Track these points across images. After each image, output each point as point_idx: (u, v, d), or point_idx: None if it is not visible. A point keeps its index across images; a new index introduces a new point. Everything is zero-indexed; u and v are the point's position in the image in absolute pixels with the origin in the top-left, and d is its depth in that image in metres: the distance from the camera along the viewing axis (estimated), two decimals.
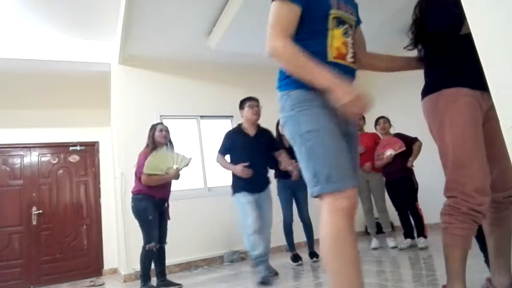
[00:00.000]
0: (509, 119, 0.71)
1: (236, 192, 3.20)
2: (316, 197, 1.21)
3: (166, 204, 3.38)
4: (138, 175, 3.25)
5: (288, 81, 1.29)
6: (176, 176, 3.34)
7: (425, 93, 1.55)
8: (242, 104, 3.44)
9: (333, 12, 1.28)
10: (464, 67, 1.46)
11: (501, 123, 0.72)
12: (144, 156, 3.28)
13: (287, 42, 1.25)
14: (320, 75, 1.19)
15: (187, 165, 3.40)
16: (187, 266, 4.39)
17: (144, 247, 3.13)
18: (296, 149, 1.27)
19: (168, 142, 3.45)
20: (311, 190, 1.21)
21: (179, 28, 4.39)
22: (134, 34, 4.35)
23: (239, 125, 3.43)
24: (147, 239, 3.13)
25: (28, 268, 4.57)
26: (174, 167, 3.29)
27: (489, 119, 1.47)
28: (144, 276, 3.13)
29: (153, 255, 3.15)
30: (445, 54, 1.52)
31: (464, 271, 1.39)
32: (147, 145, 3.38)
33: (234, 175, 3.25)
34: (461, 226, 1.36)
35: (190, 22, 4.33)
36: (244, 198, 3.10)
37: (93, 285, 4.15)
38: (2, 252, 4.50)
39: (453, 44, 1.49)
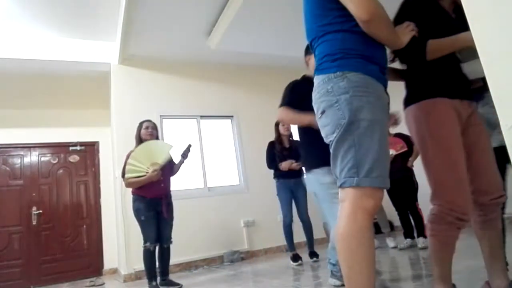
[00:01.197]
0: (509, 119, 0.71)
1: (315, 167, 2.28)
2: (341, 187, 1.17)
3: (162, 203, 3.27)
4: None
5: (344, 62, 1.19)
6: (156, 177, 3.18)
7: (406, 103, 1.58)
8: (308, 49, 2.46)
9: None
10: (441, 77, 1.51)
11: (501, 123, 0.72)
12: (126, 157, 3.32)
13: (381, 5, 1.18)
14: (397, 33, 1.31)
15: (168, 155, 3.28)
16: (187, 266, 4.39)
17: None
18: (338, 135, 1.16)
19: (155, 140, 3.42)
20: (343, 179, 1.15)
21: (179, 28, 4.39)
22: (134, 34, 4.35)
23: (304, 76, 2.57)
24: (143, 239, 3.20)
25: (28, 268, 4.57)
26: (151, 165, 3.18)
27: (469, 125, 1.51)
28: (147, 275, 3.21)
29: (151, 254, 3.17)
30: (422, 66, 1.54)
31: (451, 272, 1.47)
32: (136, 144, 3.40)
33: (309, 145, 2.38)
34: (448, 234, 1.43)
35: (190, 22, 4.33)
36: (328, 176, 2.15)
37: (93, 285, 4.15)
38: (2, 252, 4.50)
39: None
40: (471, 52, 1.45)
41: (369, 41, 1.22)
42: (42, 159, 5.00)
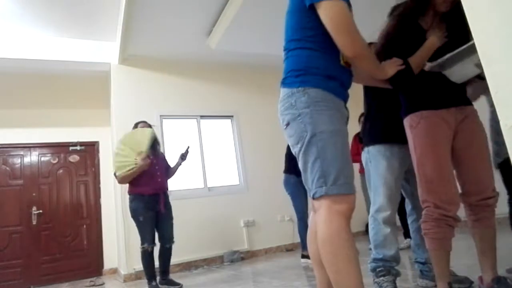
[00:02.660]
0: (509, 119, 0.71)
1: (377, 141, 2.00)
2: (315, 198, 1.23)
3: (160, 199, 3.23)
4: None
5: (306, 78, 1.28)
6: (146, 163, 3.11)
7: (402, 116, 1.75)
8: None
9: None
10: (425, 91, 1.64)
11: (501, 123, 0.72)
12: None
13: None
14: (382, 67, 1.47)
15: (151, 139, 3.21)
16: (187, 266, 4.39)
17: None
18: (303, 147, 1.25)
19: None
20: (314, 190, 1.22)
21: (179, 28, 4.39)
22: (134, 34, 4.35)
23: None
24: (141, 240, 3.18)
25: (28, 268, 4.57)
26: (137, 155, 3.13)
27: (460, 131, 1.62)
28: (146, 275, 3.19)
29: (149, 255, 3.15)
30: (411, 85, 1.65)
31: (448, 270, 1.59)
32: None
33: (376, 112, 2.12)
34: (437, 230, 1.55)
35: (190, 22, 4.33)
36: (390, 157, 1.94)
37: (93, 285, 4.15)
38: (2, 252, 4.50)
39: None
40: (438, 65, 1.57)
41: (333, 60, 1.32)
42: (42, 159, 5.00)
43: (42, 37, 4.47)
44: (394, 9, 1.75)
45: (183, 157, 3.46)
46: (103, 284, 4.24)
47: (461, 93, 1.66)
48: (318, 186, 1.21)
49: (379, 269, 1.94)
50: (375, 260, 1.97)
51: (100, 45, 4.76)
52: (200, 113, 5.20)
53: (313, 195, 1.23)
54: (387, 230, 1.97)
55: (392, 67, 1.51)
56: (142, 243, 3.16)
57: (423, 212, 1.60)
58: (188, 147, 3.52)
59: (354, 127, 5.09)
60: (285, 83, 1.35)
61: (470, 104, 1.67)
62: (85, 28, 4.41)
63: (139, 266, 4.14)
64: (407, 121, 1.68)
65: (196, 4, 3.98)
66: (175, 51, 4.93)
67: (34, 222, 4.73)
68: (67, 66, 4.74)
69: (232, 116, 5.38)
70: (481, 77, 1.63)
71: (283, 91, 1.34)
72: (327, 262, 1.18)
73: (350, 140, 4.57)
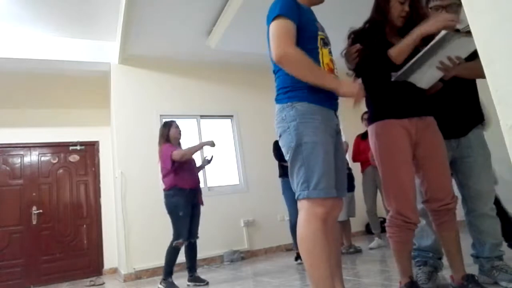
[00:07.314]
0: (509, 119, 0.71)
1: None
2: (298, 199, 1.39)
3: (198, 192, 3.33)
4: (165, 171, 3.28)
5: (293, 94, 1.43)
6: (211, 143, 3.39)
7: (368, 123, 1.82)
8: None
9: (320, 34, 1.51)
10: (389, 100, 1.69)
11: (501, 122, 0.72)
12: (170, 148, 3.30)
13: (297, 49, 1.39)
14: (328, 78, 1.42)
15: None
16: None
17: (171, 243, 3.15)
18: (290, 155, 1.41)
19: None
20: (298, 192, 1.38)
21: (179, 28, 4.40)
22: (134, 34, 4.35)
23: None
24: (176, 235, 3.15)
25: (28, 268, 4.57)
26: None
27: (421, 140, 1.68)
28: (165, 271, 3.16)
29: (177, 251, 3.15)
30: (375, 89, 1.73)
31: (411, 266, 1.71)
32: (162, 141, 3.39)
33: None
34: (400, 235, 1.66)
35: (190, 22, 4.33)
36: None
37: (93, 285, 4.15)
38: (3, 251, 4.50)
39: (381, 79, 1.69)
40: (403, 73, 1.59)
41: None
42: (42, 159, 5.00)
43: (42, 37, 4.47)
44: (352, 33, 1.80)
45: (207, 162, 3.58)
46: (103, 284, 4.24)
47: (422, 103, 1.72)
48: (301, 190, 1.37)
49: (416, 259, 2.02)
50: (413, 249, 2.00)
51: (100, 45, 4.76)
52: (200, 113, 5.20)
53: (298, 196, 1.39)
54: (422, 221, 1.94)
55: (350, 86, 1.42)
56: (177, 238, 3.12)
57: (388, 217, 1.70)
58: (212, 156, 3.61)
59: (355, 128, 5.10)
60: (277, 99, 1.51)
61: (431, 114, 1.74)
62: (85, 28, 4.41)
63: (139, 265, 4.14)
64: (372, 129, 1.75)
65: (196, 4, 3.98)
66: (175, 51, 4.93)
67: (34, 222, 4.73)
68: (67, 66, 4.74)
69: (232, 116, 5.39)
70: (443, 80, 1.70)
71: (276, 107, 1.49)
72: (303, 256, 1.35)
73: (351, 140, 4.56)
